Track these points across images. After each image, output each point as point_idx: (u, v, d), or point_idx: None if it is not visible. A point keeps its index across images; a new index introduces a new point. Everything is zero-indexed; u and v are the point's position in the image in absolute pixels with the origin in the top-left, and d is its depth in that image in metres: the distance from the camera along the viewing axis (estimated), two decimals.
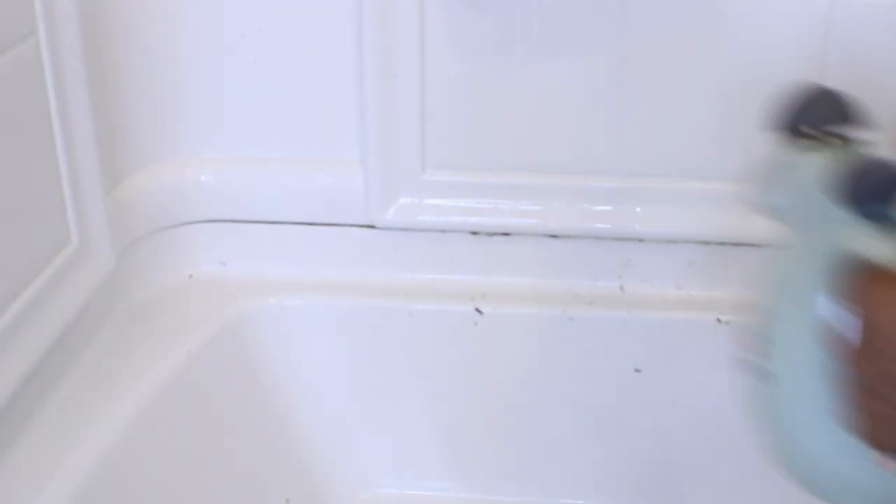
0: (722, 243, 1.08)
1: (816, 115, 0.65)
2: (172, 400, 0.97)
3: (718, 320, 1.05)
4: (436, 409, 1.12)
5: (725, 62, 1.02)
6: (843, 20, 0.99)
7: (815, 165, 0.63)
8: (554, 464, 1.12)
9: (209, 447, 1.00)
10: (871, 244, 0.58)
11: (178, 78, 1.06)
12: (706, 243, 1.08)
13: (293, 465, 1.09)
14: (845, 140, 0.64)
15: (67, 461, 0.85)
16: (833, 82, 0.68)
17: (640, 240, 1.08)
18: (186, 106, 1.08)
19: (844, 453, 0.59)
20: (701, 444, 1.09)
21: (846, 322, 0.57)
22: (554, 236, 1.10)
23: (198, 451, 0.99)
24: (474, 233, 1.10)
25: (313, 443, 1.10)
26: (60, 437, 0.88)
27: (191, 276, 1.12)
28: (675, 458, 1.11)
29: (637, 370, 1.08)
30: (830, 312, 0.58)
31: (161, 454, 0.95)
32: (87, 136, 0.95)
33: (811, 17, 0.99)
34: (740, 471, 1.02)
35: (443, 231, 1.10)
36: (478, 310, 1.09)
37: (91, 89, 0.95)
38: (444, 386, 1.11)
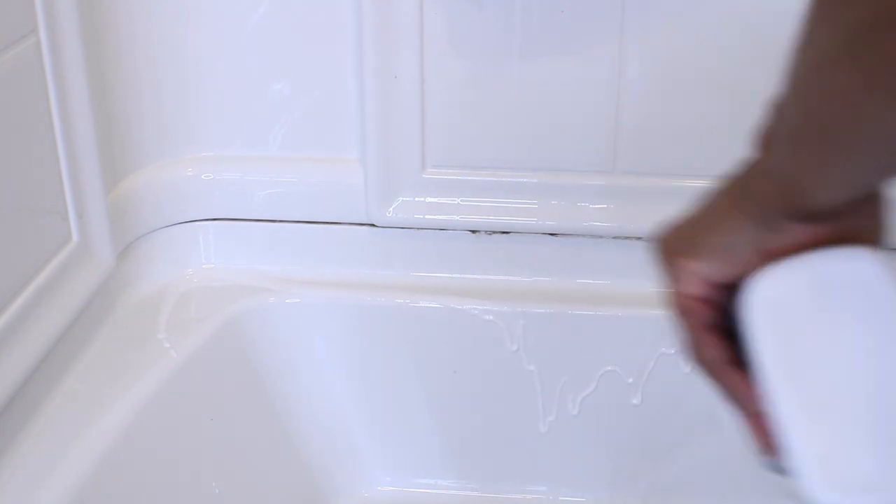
0: None
1: None
2: (173, 397, 0.97)
3: None
4: (436, 406, 1.12)
5: (727, 62, 1.02)
6: None
7: None
8: (554, 460, 1.12)
9: (209, 444, 1.00)
10: None
11: (179, 76, 1.06)
12: None
13: (293, 461, 1.09)
14: None
15: (68, 458, 0.86)
16: None
17: (640, 238, 1.08)
18: (187, 104, 1.08)
19: None
20: (702, 439, 1.09)
21: None
22: (553, 234, 1.10)
23: (198, 448, 0.99)
24: (474, 231, 1.11)
25: (313, 439, 1.10)
26: (62, 434, 0.88)
27: (191, 274, 1.12)
28: (677, 455, 1.11)
29: (637, 368, 1.08)
30: None
31: (162, 451, 0.95)
32: (88, 135, 0.95)
33: None
34: (740, 464, 1.02)
35: (442, 229, 1.10)
36: (476, 308, 1.09)
37: (92, 88, 0.95)
38: (444, 383, 1.11)
